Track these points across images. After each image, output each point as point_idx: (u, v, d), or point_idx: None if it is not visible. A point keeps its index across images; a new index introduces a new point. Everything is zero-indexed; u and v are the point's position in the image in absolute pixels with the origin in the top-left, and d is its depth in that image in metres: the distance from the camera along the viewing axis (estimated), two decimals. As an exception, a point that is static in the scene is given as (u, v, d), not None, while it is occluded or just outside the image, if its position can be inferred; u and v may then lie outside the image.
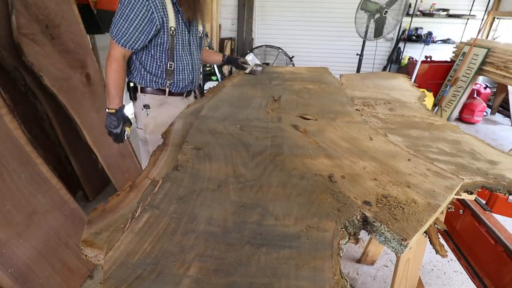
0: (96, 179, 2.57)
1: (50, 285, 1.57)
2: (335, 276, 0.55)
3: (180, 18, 1.52)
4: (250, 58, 2.32)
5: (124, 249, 0.60)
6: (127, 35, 1.42)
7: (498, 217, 1.36)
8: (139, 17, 1.39)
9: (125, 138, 1.58)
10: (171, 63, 1.58)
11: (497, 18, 5.14)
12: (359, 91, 1.87)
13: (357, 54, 4.01)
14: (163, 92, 1.65)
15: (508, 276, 1.20)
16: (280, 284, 0.54)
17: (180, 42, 1.57)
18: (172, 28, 1.50)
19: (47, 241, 1.63)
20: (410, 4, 5.01)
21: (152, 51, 1.55)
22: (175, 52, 1.57)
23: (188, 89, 1.74)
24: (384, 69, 5.72)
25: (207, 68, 4.59)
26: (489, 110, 5.13)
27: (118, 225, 0.72)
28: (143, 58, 1.56)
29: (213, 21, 5.61)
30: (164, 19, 1.45)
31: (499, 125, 4.81)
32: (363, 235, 1.90)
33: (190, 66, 1.67)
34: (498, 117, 5.10)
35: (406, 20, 5.29)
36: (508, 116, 4.92)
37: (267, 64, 5.67)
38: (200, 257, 0.59)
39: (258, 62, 2.30)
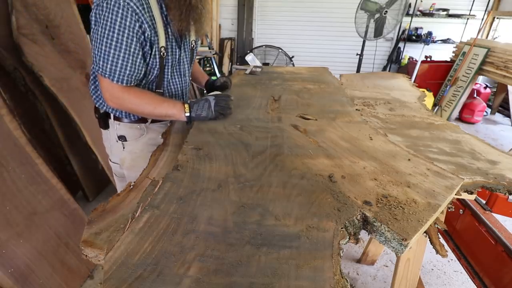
0: (96, 179, 2.57)
1: (50, 285, 1.57)
2: (335, 276, 0.55)
3: (170, 33, 1.15)
4: (250, 58, 2.32)
5: (124, 249, 0.60)
6: (127, 69, 1.05)
7: (498, 217, 1.36)
8: (134, 40, 1.03)
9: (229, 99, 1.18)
10: (159, 91, 1.23)
11: (497, 18, 5.14)
12: (359, 91, 1.87)
13: (357, 54, 4.01)
14: (143, 120, 1.27)
15: (508, 276, 1.20)
16: (280, 284, 0.54)
17: (169, 64, 1.20)
18: (163, 49, 1.13)
19: (47, 241, 1.63)
20: (410, 4, 5.00)
21: None
22: (164, 77, 1.22)
23: None
24: (384, 69, 5.72)
25: (207, 68, 4.53)
26: (489, 110, 5.13)
27: (118, 225, 0.72)
28: None
29: (213, 21, 5.62)
30: (155, 38, 1.09)
31: (499, 125, 4.81)
32: (363, 235, 1.90)
33: (180, 91, 1.31)
34: (498, 117, 5.10)
35: (406, 20, 5.29)
36: (508, 116, 4.92)
37: (267, 64, 5.67)
38: (200, 257, 0.59)
39: (259, 64, 2.30)
